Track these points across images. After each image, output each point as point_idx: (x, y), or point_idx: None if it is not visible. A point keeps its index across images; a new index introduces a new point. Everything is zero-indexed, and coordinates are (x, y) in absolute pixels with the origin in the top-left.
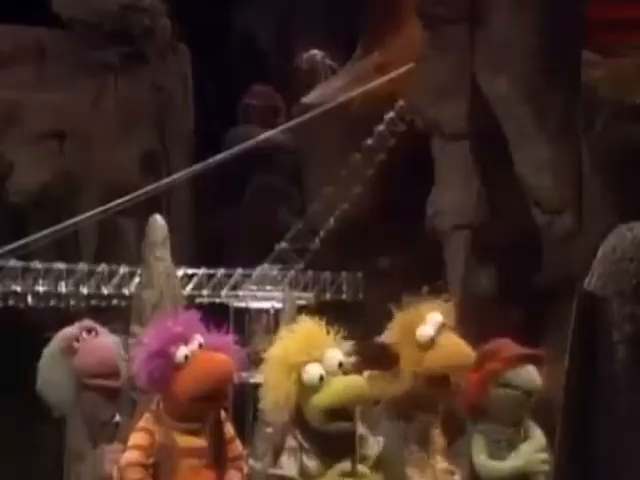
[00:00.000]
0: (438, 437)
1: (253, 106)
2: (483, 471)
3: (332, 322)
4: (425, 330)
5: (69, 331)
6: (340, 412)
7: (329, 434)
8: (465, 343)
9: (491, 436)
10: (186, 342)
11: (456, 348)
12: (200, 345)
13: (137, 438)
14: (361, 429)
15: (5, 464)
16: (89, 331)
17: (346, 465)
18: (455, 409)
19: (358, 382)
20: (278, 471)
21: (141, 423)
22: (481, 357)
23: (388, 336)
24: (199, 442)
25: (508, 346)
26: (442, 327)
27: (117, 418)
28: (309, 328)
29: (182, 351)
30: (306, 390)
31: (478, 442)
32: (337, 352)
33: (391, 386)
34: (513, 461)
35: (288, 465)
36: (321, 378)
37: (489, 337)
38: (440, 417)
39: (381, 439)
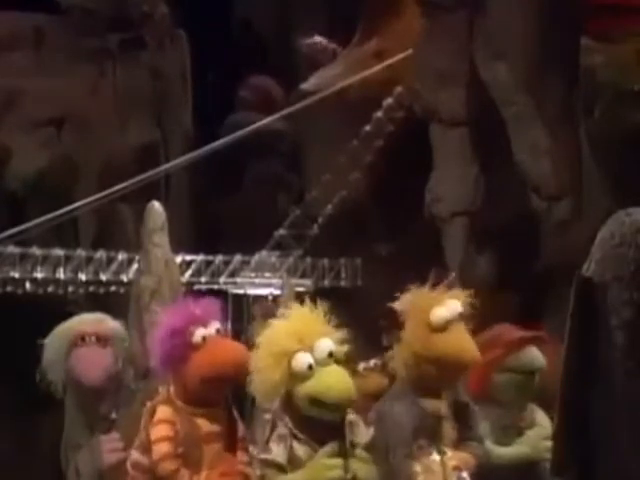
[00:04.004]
0: (449, 430)
1: (251, 93)
2: (489, 456)
3: (330, 308)
4: (440, 312)
5: (81, 327)
6: (326, 404)
7: (317, 420)
8: (473, 342)
9: (497, 422)
10: (205, 325)
11: (464, 341)
12: (217, 331)
13: (161, 430)
14: (352, 416)
15: (2, 451)
16: (98, 339)
17: (334, 446)
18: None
19: (346, 382)
20: (267, 456)
21: (159, 416)
22: (483, 344)
23: (400, 304)
24: (219, 426)
25: (508, 331)
26: (459, 317)
27: (114, 415)
28: (302, 315)
29: (200, 332)
30: (295, 377)
31: (484, 428)
32: (328, 341)
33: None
34: (519, 447)
35: (277, 451)
36: (310, 367)
37: (488, 323)
38: (451, 408)
39: (371, 429)
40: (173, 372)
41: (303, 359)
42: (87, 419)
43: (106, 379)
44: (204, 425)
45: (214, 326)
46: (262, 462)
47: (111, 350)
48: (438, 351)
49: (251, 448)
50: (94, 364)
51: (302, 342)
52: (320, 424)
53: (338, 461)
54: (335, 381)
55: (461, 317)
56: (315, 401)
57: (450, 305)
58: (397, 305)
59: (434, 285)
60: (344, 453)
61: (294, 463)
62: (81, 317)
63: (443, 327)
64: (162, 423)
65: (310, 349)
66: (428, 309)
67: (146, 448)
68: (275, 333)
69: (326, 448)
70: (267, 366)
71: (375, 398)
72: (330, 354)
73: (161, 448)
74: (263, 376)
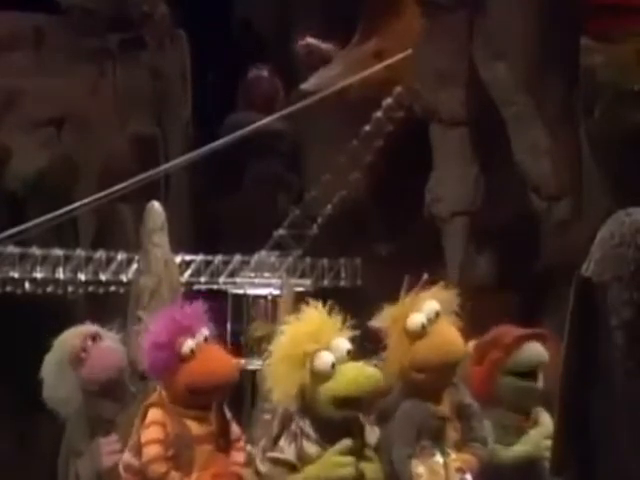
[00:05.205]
0: (452, 432)
1: (252, 92)
2: (493, 457)
3: (331, 309)
4: (416, 318)
5: (74, 342)
6: (351, 401)
7: (336, 422)
8: (458, 335)
9: (499, 421)
10: (193, 335)
11: (445, 340)
12: (205, 339)
13: (152, 432)
14: (361, 417)
15: (2, 451)
16: (93, 338)
17: (347, 444)
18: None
19: (370, 370)
20: (279, 455)
21: (150, 418)
22: (484, 347)
23: (377, 322)
24: (209, 428)
25: (508, 332)
26: (437, 316)
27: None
28: (314, 317)
29: (188, 344)
30: (316, 378)
31: (487, 428)
32: (344, 340)
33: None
34: (521, 446)
35: (289, 450)
36: (332, 366)
37: (487, 323)
38: (455, 409)
39: (377, 429)
40: (162, 381)
41: (326, 358)
42: (93, 427)
43: (121, 366)
44: (195, 427)
45: (202, 334)
46: (272, 460)
47: (115, 343)
48: (422, 359)
49: (249, 448)
50: (106, 358)
51: (320, 342)
52: (338, 424)
53: (350, 459)
54: (357, 374)
55: (441, 314)
56: (340, 400)
57: (425, 307)
58: (375, 323)
59: (408, 291)
60: (356, 452)
61: (303, 461)
62: (66, 334)
63: (421, 333)
64: (153, 425)
65: (327, 348)
66: (405, 318)
67: (138, 450)
68: (292, 336)
69: (338, 446)
70: (288, 370)
71: (377, 400)
72: (348, 352)
73: (150, 450)
74: (284, 381)
